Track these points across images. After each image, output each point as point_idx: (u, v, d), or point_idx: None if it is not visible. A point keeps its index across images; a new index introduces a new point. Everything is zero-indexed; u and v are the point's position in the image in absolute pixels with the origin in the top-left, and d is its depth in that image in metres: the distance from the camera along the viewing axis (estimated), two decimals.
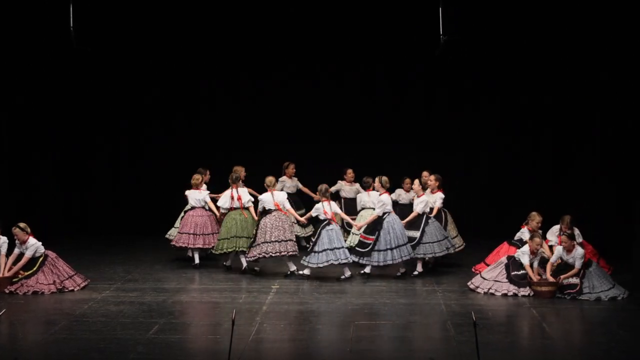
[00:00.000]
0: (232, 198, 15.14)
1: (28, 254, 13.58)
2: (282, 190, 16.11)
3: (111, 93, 19.49)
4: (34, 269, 13.57)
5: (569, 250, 13.05)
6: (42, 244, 13.83)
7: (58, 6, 16.61)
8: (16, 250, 13.66)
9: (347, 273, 14.45)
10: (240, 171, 16.13)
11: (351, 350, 10.34)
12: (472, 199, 18.65)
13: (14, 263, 13.61)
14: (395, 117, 19.29)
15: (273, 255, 14.43)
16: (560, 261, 13.17)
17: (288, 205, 14.97)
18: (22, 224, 13.69)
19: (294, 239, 14.73)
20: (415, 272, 14.63)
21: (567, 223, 13.81)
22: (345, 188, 17.07)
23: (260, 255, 14.48)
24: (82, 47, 16.19)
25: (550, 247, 13.71)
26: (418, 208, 14.53)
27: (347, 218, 15.34)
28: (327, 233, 14.36)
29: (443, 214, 15.25)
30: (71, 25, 13.91)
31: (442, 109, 19.33)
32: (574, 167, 18.19)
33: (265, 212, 14.69)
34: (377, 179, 14.66)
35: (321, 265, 14.26)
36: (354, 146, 18.83)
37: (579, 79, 17.83)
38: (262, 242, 14.47)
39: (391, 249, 14.19)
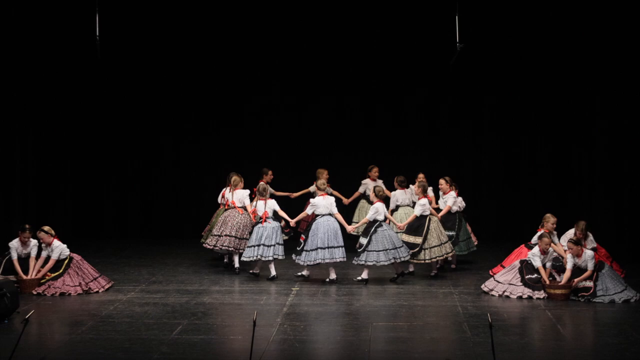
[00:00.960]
0: (223, 196, 15.78)
1: (54, 256, 13.66)
2: (364, 192, 16.81)
3: (140, 103, 19.68)
4: (60, 271, 13.65)
5: (577, 255, 12.97)
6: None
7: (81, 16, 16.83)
8: (43, 253, 13.71)
9: (272, 272, 14.74)
10: (322, 173, 16.51)
11: (369, 350, 10.27)
12: (479, 203, 18.76)
13: (42, 266, 13.67)
14: (396, 121, 19.47)
15: (210, 247, 15.13)
16: (574, 266, 13.07)
17: (247, 203, 15.25)
18: (46, 227, 13.81)
19: (234, 235, 15.00)
20: (359, 278, 14.44)
21: (581, 229, 13.68)
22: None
23: (209, 247, 15.22)
24: (97, 55, 16.19)
25: (566, 251, 13.55)
26: (369, 215, 14.44)
27: (287, 217, 15.11)
28: (256, 230, 14.63)
29: (428, 220, 14.83)
30: (97, 35, 13.93)
31: (444, 116, 19.48)
32: (580, 170, 18.25)
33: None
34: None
35: (246, 259, 14.59)
36: (364, 156, 18.96)
37: (578, 83, 17.91)
38: (211, 234, 15.21)
39: (316, 249, 14.18)
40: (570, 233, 13.76)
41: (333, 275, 14.35)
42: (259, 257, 14.47)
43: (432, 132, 19.56)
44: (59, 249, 13.68)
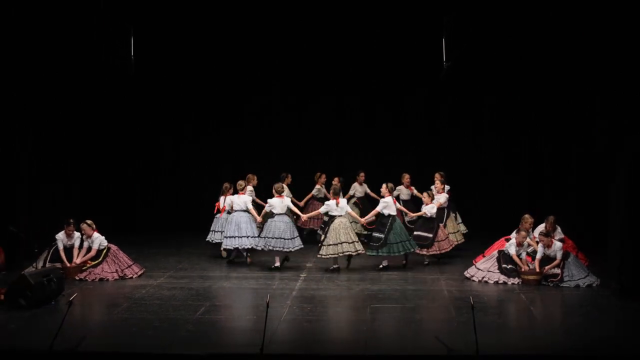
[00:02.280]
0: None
1: (94, 247, 13.99)
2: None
3: (157, 111, 19.57)
4: (99, 259, 13.97)
5: (547, 245, 13.29)
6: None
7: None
8: (85, 244, 14.05)
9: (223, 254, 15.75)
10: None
11: (367, 329, 10.57)
12: (478, 202, 18.62)
13: (84, 255, 14.05)
14: (396, 121, 19.20)
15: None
16: (544, 255, 13.40)
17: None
18: (88, 221, 14.13)
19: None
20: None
21: (550, 223, 13.94)
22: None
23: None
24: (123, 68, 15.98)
25: (537, 243, 13.77)
26: (266, 207, 14.94)
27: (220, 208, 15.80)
28: (215, 221, 15.88)
29: (332, 220, 14.67)
30: (132, 53, 13.86)
31: (444, 116, 19.13)
32: (579, 170, 17.51)
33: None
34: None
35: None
36: (364, 156, 18.85)
37: (578, 83, 17.07)
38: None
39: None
40: (541, 227, 14.00)
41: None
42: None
43: (432, 132, 19.13)
44: (99, 240, 14.04)
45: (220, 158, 19.35)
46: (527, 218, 14.16)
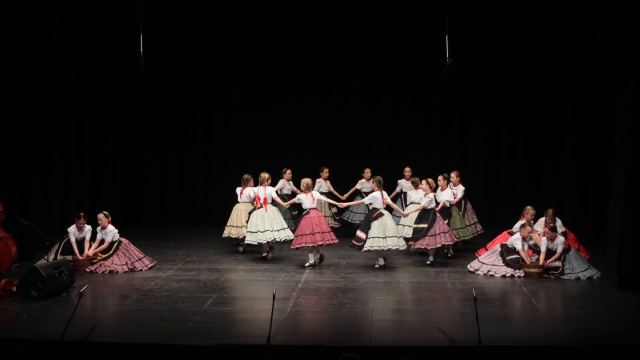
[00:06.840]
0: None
1: (108, 239, 13.99)
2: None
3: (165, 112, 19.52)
4: (110, 252, 13.95)
5: (551, 239, 13.27)
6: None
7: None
8: (98, 236, 14.07)
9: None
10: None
11: (372, 320, 10.55)
12: (479, 199, 18.19)
13: (97, 246, 14.05)
14: (396, 119, 19.06)
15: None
16: (547, 249, 13.36)
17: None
18: (105, 212, 14.16)
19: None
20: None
21: (550, 215, 13.95)
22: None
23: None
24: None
25: (538, 235, 13.78)
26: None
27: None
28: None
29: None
30: (141, 50, 13.85)
31: (443, 115, 18.97)
32: (579, 168, 16.99)
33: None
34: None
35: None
36: (364, 157, 18.51)
37: (578, 83, 16.62)
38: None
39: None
40: (542, 221, 14.00)
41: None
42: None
43: (432, 131, 19.01)
44: (112, 233, 14.03)
45: (223, 156, 19.35)
46: (529, 209, 14.20)
